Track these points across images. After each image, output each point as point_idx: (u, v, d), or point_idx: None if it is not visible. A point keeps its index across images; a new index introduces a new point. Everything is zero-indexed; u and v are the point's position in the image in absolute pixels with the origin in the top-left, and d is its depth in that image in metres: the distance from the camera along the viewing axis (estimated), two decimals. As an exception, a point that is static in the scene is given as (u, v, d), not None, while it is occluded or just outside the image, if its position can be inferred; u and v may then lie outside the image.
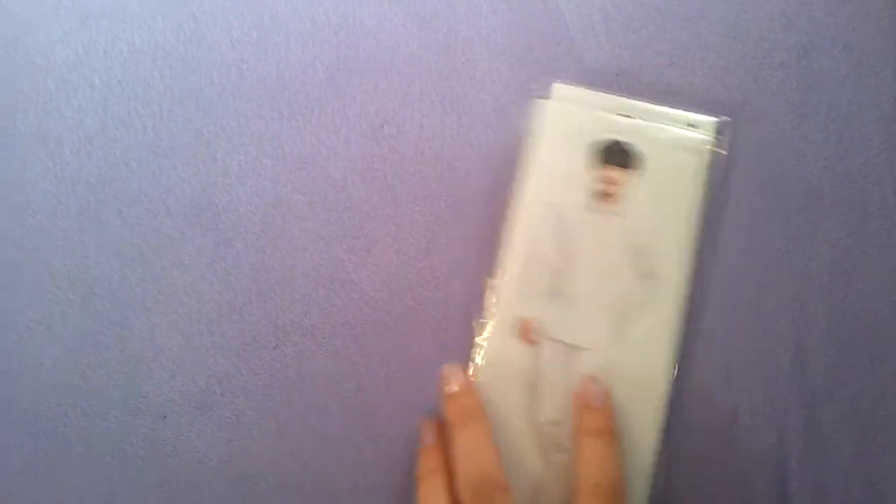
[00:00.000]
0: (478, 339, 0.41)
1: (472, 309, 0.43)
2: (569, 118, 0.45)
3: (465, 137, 0.47)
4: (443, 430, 0.39)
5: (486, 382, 0.40)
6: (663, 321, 0.40)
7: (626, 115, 0.44)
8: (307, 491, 0.41)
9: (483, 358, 0.41)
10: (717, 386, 0.42)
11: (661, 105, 0.45)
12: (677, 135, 0.44)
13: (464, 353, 0.42)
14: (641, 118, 0.44)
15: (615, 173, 0.43)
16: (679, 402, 0.41)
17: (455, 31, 0.50)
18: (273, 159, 0.47)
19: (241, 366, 0.43)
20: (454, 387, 0.39)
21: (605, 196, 0.43)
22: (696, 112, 0.46)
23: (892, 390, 0.42)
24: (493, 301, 0.42)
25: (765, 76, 0.47)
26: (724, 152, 0.45)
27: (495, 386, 0.40)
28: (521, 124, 0.46)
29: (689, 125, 0.45)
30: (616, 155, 0.44)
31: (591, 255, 0.41)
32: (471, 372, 0.40)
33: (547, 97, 0.46)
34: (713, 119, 0.45)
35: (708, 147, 0.44)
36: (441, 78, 0.49)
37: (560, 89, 0.46)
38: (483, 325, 0.41)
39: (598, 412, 0.38)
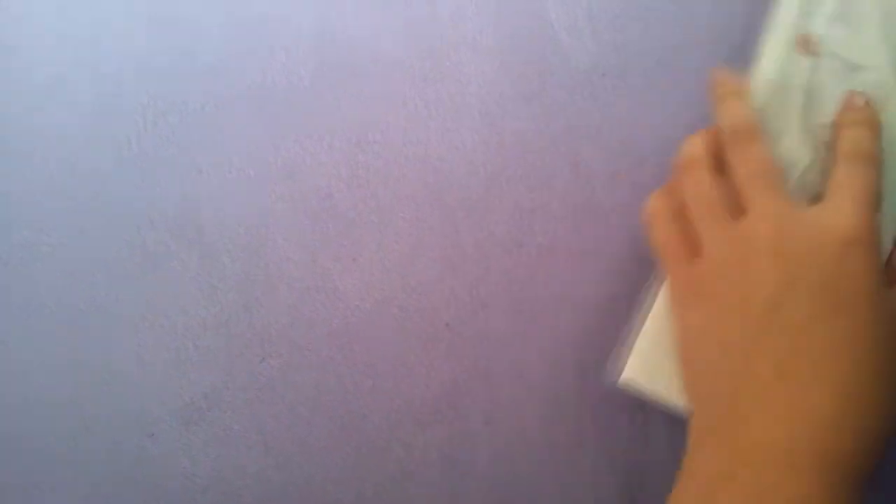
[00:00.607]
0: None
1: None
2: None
3: (451, 140, 0.47)
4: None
5: (762, 88, 0.41)
6: None
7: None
8: (294, 503, 0.40)
9: (761, 68, 0.42)
10: None
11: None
12: None
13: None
14: None
15: None
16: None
17: (440, 35, 0.49)
18: (257, 169, 0.47)
19: (228, 380, 0.42)
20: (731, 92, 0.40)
21: None
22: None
23: None
24: (777, 16, 0.42)
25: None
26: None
27: (771, 92, 0.41)
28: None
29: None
30: None
31: None
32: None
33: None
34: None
35: None
36: (426, 82, 0.48)
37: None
38: (763, 39, 0.42)
39: (860, 126, 0.38)
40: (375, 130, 0.47)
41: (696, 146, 0.38)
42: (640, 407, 0.41)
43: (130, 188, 0.47)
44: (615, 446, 0.41)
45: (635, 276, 0.43)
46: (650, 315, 0.40)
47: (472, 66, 0.48)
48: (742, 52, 0.46)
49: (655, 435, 0.41)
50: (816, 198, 0.38)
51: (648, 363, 0.39)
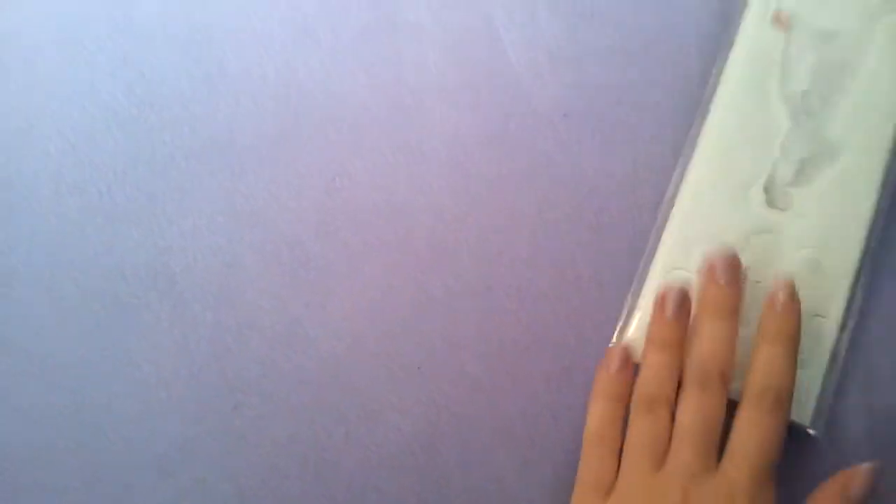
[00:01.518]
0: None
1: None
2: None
3: (418, 185, 0.47)
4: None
5: (740, 63, 0.45)
6: None
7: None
8: (270, 556, 0.41)
9: (738, 42, 0.45)
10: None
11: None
12: None
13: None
14: None
15: None
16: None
17: (403, 79, 0.50)
18: (226, 217, 0.47)
19: (201, 430, 0.43)
20: (721, 279, 0.39)
21: None
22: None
23: None
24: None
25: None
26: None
27: (748, 66, 0.45)
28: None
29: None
30: None
31: None
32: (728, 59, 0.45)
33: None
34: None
35: None
36: (392, 127, 0.49)
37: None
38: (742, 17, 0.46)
39: (781, 316, 0.38)
40: (343, 177, 0.48)
41: (662, 380, 0.39)
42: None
43: (101, 240, 0.47)
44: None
45: (604, 317, 0.44)
46: (644, 285, 0.43)
47: (435, 111, 0.49)
48: (699, 85, 0.48)
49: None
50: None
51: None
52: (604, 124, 0.48)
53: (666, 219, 0.43)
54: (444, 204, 0.47)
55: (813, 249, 0.42)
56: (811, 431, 0.39)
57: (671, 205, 0.44)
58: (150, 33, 0.52)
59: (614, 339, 0.42)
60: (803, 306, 0.39)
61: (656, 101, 0.48)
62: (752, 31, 0.46)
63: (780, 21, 0.45)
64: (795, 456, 0.40)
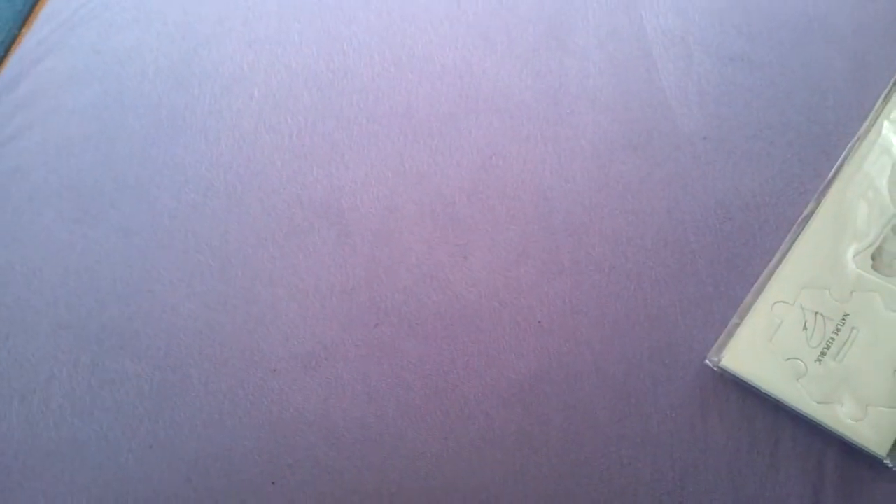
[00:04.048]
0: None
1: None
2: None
3: (562, 174, 0.54)
4: None
5: (871, 150, 0.51)
6: None
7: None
8: (386, 448, 0.46)
9: (873, 131, 0.51)
10: None
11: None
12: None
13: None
14: None
15: None
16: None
17: (564, 86, 0.57)
18: (394, 172, 0.55)
19: (346, 337, 0.49)
20: None
21: None
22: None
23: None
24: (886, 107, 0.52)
25: (837, 154, 0.52)
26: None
27: (874, 160, 0.50)
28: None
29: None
30: None
31: None
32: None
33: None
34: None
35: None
36: (547, 123, 0.56)
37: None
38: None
39: None
40: (499, 157, 0.55)
41: None
42: (700, 412, 0.46)
43: (287, 172, 0.55)
44: (676, 446, 0.46)
45: (713, 313, 0.48)
46: (752, 310, 0.47)
47: (588, 116, 0.56)
48: (830, 134, 0.53)
49: (713, 436, 0.46)
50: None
51: (747, 351, 0.46)
52: (738, 151, 0.53)
53: (783, 257, 0.49)
54: (584, 192, 0.53)
55: None
56: (887, 462, 0.43)
57: (789, 246, 0.49)
58: (355, 16, 0.62)
59: (711, 353, 0.47)
60: (895, 358, 0.45)
61: (788, 141, 0.54)
62: (883, 132, 0.52)
63: None
64: (869, 482, 0.44)
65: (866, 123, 0.53)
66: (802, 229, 0.49)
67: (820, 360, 0.45)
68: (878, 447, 0.43)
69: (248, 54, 0.61)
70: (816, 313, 0.46)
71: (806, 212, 0.50)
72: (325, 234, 0.53)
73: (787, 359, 0.45)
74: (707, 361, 0.46)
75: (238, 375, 0.49)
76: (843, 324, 0.46)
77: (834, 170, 0.51)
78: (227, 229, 0.54)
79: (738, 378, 0.46)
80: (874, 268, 0.48)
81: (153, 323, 0.51)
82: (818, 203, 0.50)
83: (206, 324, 0.51)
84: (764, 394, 0.45)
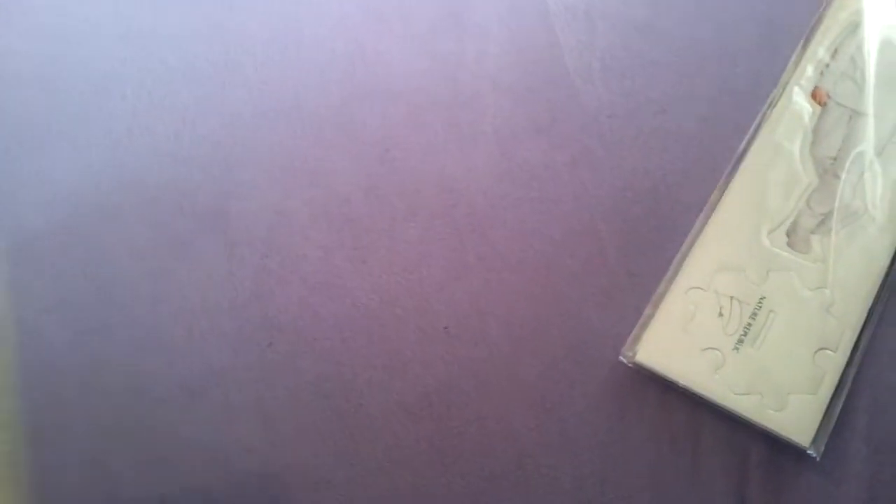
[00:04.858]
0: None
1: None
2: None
3: (465, 163, 0.50)
4: None
5: (780, 120, 0.49)
6: None
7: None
8: (286, 478, 0.43)
9: (780, 104, 0.49)
10: None
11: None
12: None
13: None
14: None
15: None
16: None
17: (463, 68, 0.54)
18: (284, 172, 0.51)
19: (236, 360, 0.45)
20: None
21: None
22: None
23: None
24: (796, 74, 0.50)
25: (750, 125, 0.50)
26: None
27: (786, 125, 0.49)
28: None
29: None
30: None
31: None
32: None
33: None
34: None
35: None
36: (446, 109, 0.52)
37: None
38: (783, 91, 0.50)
39: None
40: (397, 148, 0.51)
41: None
42: (618, 412, 0.43)
43: (166, 178, 0.51)
44: (595, 450, 0.43)
45: (628, 304, 0.46)
46: (665, 298, 0.44)
47: (490, 99, 0.52)
48: (742, 104, 0.50)
49: (633, 436, 0.43)
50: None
51: (662, 344, 0.43)
52: (646, 129, 0.51)
53: (695, 240, 0.46)
54: (488, 183, 0.50)
55: (827, 290, 0.44)
56: (810, 452, 0.41)
57: (701, 228, 0.46)
58: (235, 2, 0.57)
59: (625, 348, 0.44)
60: (814, 341, 0.42)
61: (699, 114, 0.51)
62: (794, 98, 0.50)
63: (818, 97, 0.50)
64: (794, 475, 0.42)
65: (776, 90, 0.51)
66: (715, 208, 0.47)
67: (738, 349, 0.43)
68: (801, 438, 0.41)
69: (120, 50, 0.56)
70: (732, 298, 0.44)
71: (718, 189, 0.48)
72: (210, 245, 0.49)
73: (704, 349, 0.43)
74: (621, 357, 0.44)
75: (119, 409, 0.45)
76: (760, 307, 0.44)
77: (745, 142, 0.49)
78: (101, 247, 0.49)
79: (654, 373, 0.43)
80: (790, 245, 0.45)
81: (24, 361, 0.46)
82: (730, 179, 0.48)
83: (84, 354, 0.46)
84: (682, 388, 0.43)
